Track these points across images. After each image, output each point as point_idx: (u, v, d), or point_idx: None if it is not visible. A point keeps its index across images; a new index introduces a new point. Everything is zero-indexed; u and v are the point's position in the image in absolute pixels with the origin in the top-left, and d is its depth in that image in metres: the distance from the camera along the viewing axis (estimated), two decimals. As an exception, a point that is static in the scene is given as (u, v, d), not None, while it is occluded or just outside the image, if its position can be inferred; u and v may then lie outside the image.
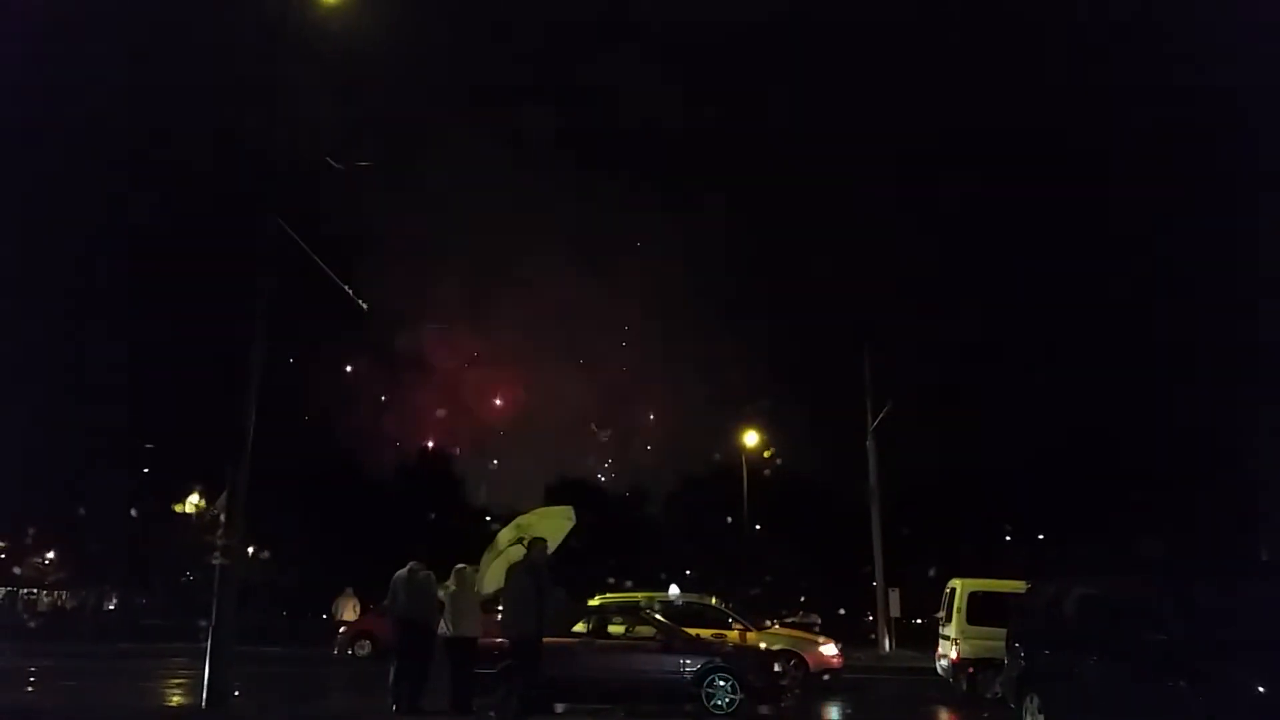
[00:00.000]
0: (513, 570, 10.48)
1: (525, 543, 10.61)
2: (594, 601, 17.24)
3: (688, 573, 38.57)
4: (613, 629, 13.45)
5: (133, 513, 36.48)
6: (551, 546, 10.82)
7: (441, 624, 11.59)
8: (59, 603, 47.13)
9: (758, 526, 39.03)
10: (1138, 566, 9.44)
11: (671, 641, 12.45)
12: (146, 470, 40.64)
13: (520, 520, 11.38)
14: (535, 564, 10.37)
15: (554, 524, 11.46)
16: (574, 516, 11.68)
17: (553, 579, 10.53)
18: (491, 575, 11.12)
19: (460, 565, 12.02)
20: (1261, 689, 6.97)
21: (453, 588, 11.73)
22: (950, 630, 15.27)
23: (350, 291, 13.81)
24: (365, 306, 14.18)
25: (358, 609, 24.06)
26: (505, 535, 11.21)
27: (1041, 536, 39.88)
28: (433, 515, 38.79)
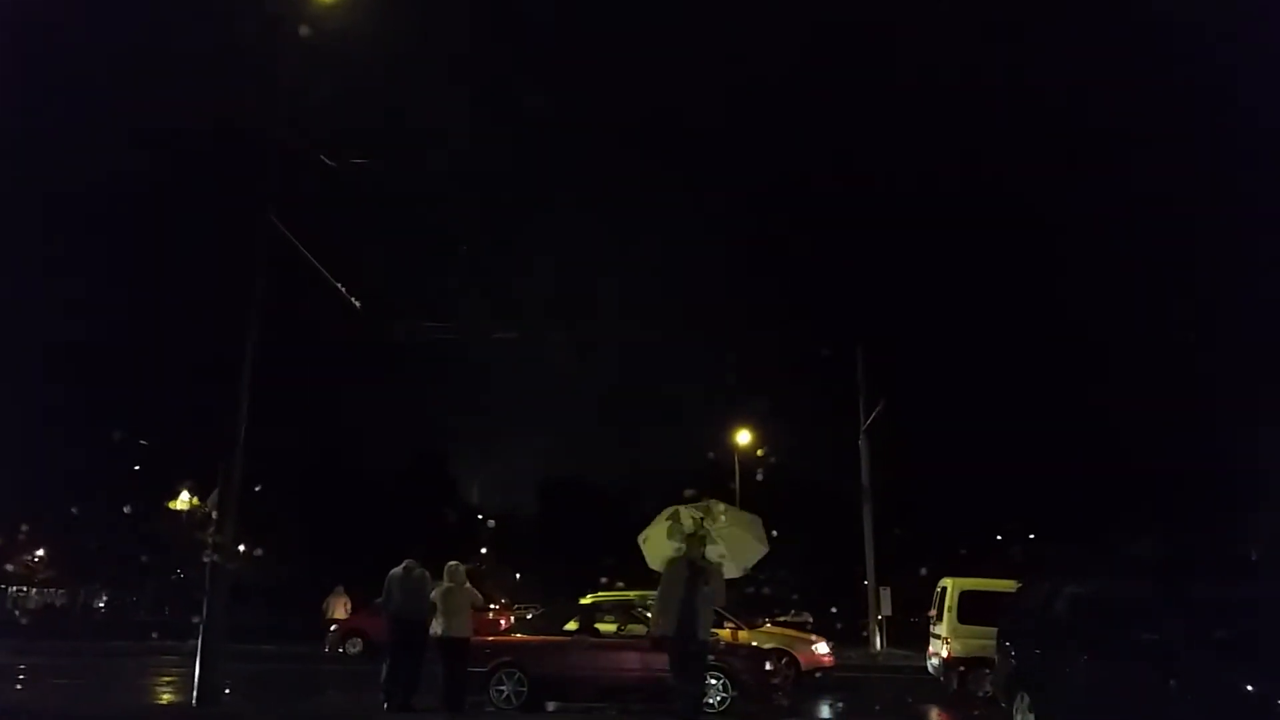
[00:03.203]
0: (673, 562, 9.43)
1: (698, 534, 9.47)
2: (586, 600, 17.27)
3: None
4: (605, 627, 13.49)
5: (125, 509, 36.34)
6: (735, 567, 9.73)
7: (434, 623, 11.58)
8: (49, 600, 47.07)
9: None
10: (1129, 566, 9.44)
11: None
12: (138, 467, 40.51)
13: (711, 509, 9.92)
14: (693, 559, 9.34)
15: (743, 538, 10.16)
16: (767, 541, 10.26)
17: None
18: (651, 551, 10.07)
19: (453, 563, 12.01)
20: (1251, 688, 7.00)
21: (446, 586, 11.71)
22: (941, 629, 15.25)
23: (343, 289, 13.78)
24: (358, 304, 14.14)
25: (348, 607, 24.02)
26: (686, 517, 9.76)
27: (1033, 535, 40.02)
28: (426, 514, 38.72)
